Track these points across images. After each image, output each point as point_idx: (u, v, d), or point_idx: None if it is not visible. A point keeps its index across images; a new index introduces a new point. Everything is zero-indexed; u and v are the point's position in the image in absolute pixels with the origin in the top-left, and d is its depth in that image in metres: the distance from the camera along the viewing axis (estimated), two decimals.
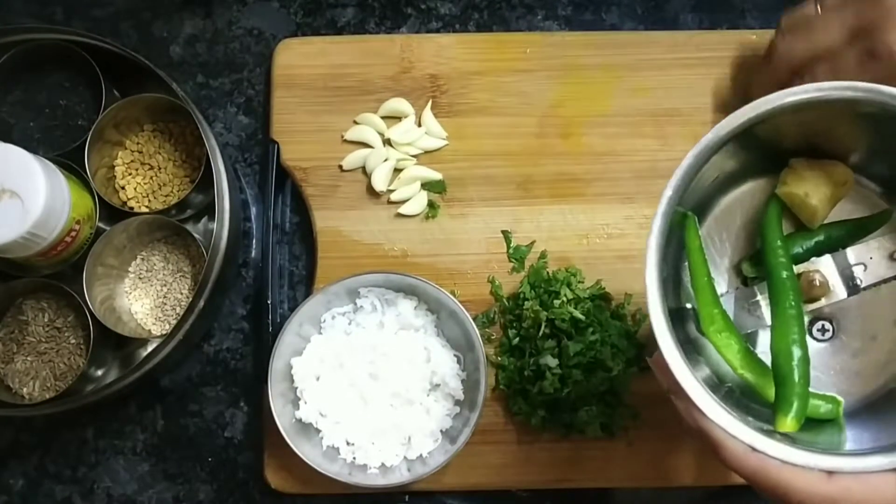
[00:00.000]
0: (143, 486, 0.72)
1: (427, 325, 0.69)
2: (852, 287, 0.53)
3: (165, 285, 0.72)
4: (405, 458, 0.67)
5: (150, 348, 0.70)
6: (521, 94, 0.73)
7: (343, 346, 0.68)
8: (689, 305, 0.55)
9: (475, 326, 0.66)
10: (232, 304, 0.74)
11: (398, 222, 0.72)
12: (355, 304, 0.69)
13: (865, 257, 0.53)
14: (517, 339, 0.69)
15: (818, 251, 0.54)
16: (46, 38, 0.69)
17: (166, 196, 0.72)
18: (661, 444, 0.69)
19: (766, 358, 0.51)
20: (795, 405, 0.47)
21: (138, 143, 0.73)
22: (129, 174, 0.73)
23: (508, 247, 0.71)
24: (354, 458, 0.67)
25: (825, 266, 0.53)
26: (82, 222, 0.68)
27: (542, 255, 0.71)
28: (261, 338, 0.71)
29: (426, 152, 0.73)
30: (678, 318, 0.48)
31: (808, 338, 0.52)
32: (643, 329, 0.69)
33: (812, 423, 0.50)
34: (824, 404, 0.52)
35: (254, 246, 0.75)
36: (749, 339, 0.54)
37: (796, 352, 0.49)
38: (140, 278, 0.72)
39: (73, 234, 0.67)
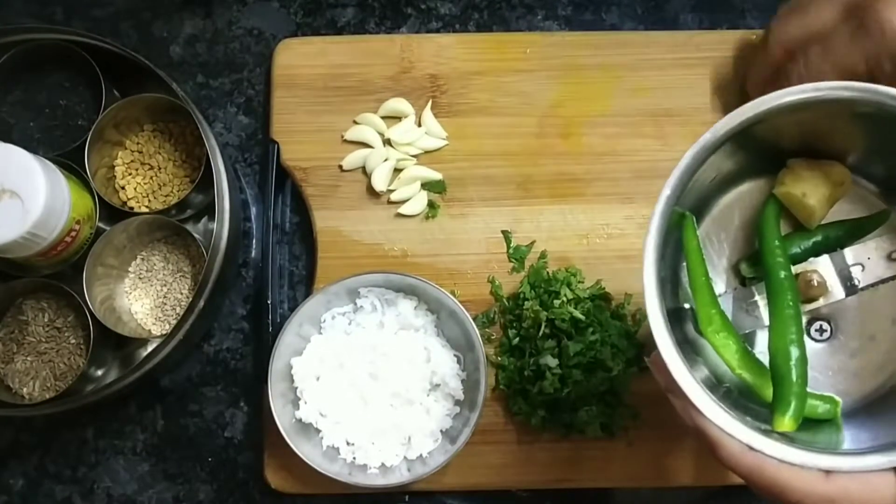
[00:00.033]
0: (143, 486, 0.73)
1: (427, 325, 0.69)
2: (850, 287, 0.53)
3: (165, 285, 0.72)
4: (405, 458, 0.67)
5: (150, 348, 0.70)
6: (521, 94, 0.73)
7: (343, 346, 0.68)
8: (687, 306, 0.55)
9: (475, 326, 0.66)
10: (232, 304, 0.74)
11: (398, 222, 0.72)
12: (355, 304, 0.69)
13: (863, 257, 0.53)
14: (517, 339, 0.69)
15: (816, 251, 0.54)
16: (46, 38, 0.69)
17: (166, 196, 0.72)
18: (661, 444, 0.69)
19: (764, 358, 0.51)
20: (793, 405, 0.47)
21: (138, 143, 0.73)
22: (129, 174, 0.73)
23: (508, 247, 0.71)
24: (354, 458, 0.67)
25: (823, 266, 0.53)
26: (82, 222, 0.68)
27: (542, 255, 0.71)
28: (261, 338, 0.71)
29: (426, 152, 0.73)
30: (676, 318, 0.48)
31: (805, 338, 0.52)
32: (643, 329, 0.69)
33: (810, 424, 0.50)
34: (822, 404, 0.52)
35: (254, 246, 0.75)
36: (747, 340, 0.54)
37: (794, 351, 0.49)
38: (140, 278, 0.72)
39: (73, 234, 0.67)
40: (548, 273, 0.70)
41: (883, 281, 0.53)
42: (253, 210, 0.75)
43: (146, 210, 0.72)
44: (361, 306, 0.69)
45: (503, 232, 0.72)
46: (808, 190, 0.53)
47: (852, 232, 0.55)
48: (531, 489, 0.70)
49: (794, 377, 0.48)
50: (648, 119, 0.72)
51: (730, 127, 0.48)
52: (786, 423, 0.47)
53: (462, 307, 0.67)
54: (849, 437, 0.50)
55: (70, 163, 0.68)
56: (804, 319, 0.52)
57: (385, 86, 0.73)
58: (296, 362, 0.67)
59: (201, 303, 0.66)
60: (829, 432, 0.51)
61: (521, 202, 0.72)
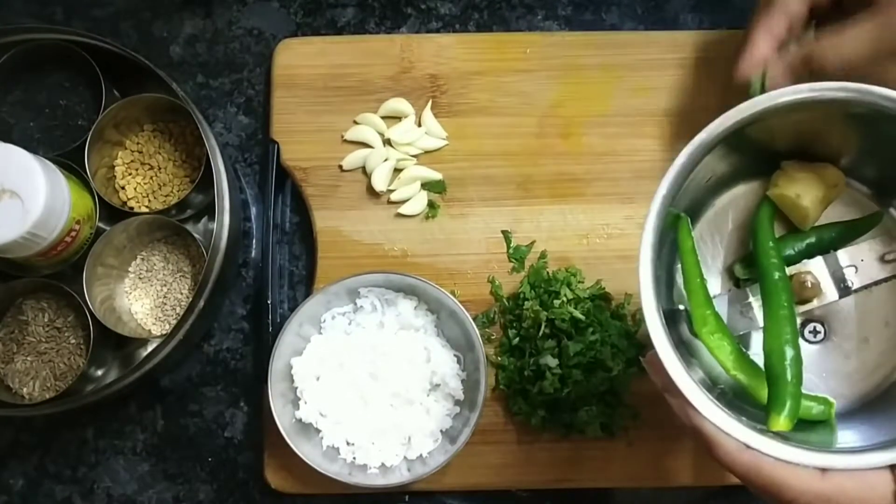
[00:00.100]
0: (143, 486, 0.73)
1: (427, 325, 0.69)
2: (844, 289, 0.53)
3: (165, 285, 0.72)
4: (405, 458, 0.67)
5: (150, 348, 0.70)
6: (521, 94, 0.73)
7: (343, 346, 0.68)
8: (681, 307, 0.55)
9: (475, 326, 0.66)
10: (232, 304, 0.74)
11: (398, 222, 0.72)
12: (355, 304, 0.69)
13: (856, 259, 0.53)
14: (517, 339, 0.69)
15: (810, 253, 0.54)
16: (46, 38, 0.69)
17: (166, 196, 0.72)
18: (661, 444, 0.69)
19: (759, 360, 0.51)
20: (788, 404, 0.47)
21: (138, 143, 0.73)
22: (129, 174, 0.73)
23: (508, 247, 0.71)
24: (354, 458, 0.67)
25: (817, 268, 0.53)
26: (82, 222, 0.68)
27: (542, 255, 0.71)
28: (261, 338, 0.71)
29: (426, 152, 0.73)
30: (671, 320, 0.48)
31: (799, 339, 0.52)
32: (643, 329, 0.69)
33: (804, 425, 0.50)
34: (816, 405, 0.52)
35: (254, 246, 0.75)
36: (741, 341, 0.54)
37: (789, 351, 0.49)
38: (140, 278, 0.72)
39: (73, 234, 0.67)
40: (548, 273, 0.70)
41: (876, 283, 0.54)
42: (253, 210, 0.75)
43: (146, 210, 0.72)
44: (361, 306, 0.69)
45: (503, 232, 0.72)
46: (802, 191, 0.53)
47: (845, 234, 0.55)
48: (531, 489, 0.70)
49: (788, 377, 0.48)
50: (648, 119, 0.72)
51: (725, 126, 0.48)
52: (781, 422, 0.47)
53: (462, 307, 0.67)
54: (842, 438, 0.50)
55: (70, 163, 0.68)
56: (798, 321, 0.52)
57: (385, 86, 0.73)
58: (296, 362, 0.67)
59: (201, 303, 0.66)
60: (823, 433, 0.51)
61: (521, 202, 0.72)
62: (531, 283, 0.70)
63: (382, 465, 0.67)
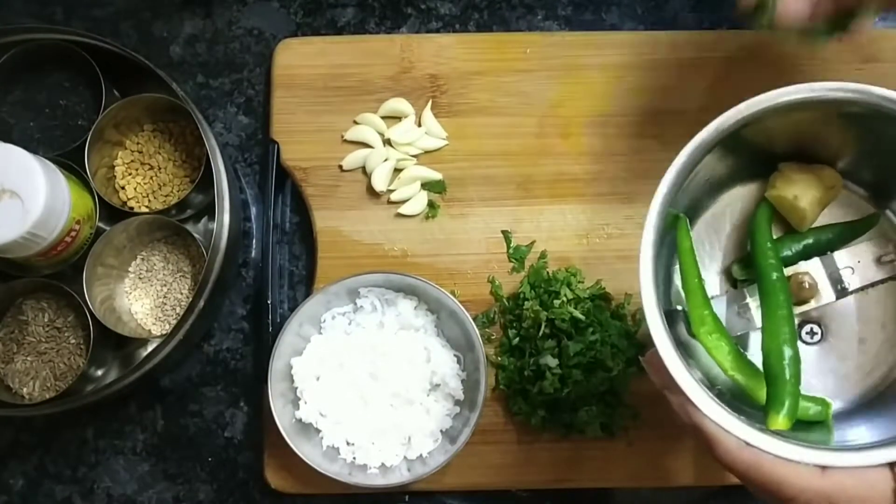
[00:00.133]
0: (143, 486, 0.73)
1: (427, 325, 0.69)
2: (840, 290, 0.54)
3: (165, 285, 0.72)
4: (405, 458, 0.67)
5: (150, 348, 0.70)
6: (521, 94, 0.73)
7: (343, 346, 0.68)
8: (679, 308, 0.55)
9: (475, 326, 0.66)
10: (232, 304, 0.74)
11: (398, 222, 0.72)
12: (355, 304, 0.69)
13: (853, 261, 0.54)
14: (517, 339, 0.69)
15: (807, 254, 0.55)
16: (46, 38, 0.69)
17: (166, 196, 0.72)
18: (661, 444, 0.69)
19: (757, 361, 0.51)
20: (787, 403, 0.48)
21: (138, 143, 0.73)
22: (129, 174, 0.73)
23: (508, 247, 0.71)
24: (354, 458, 0.67)
25: (814, 270, 0.54)
26: (82, 222, 0.68)
27: (542, 255, 0.71)
28: (261, 338, 0.71)
29: (426, 152, 0.73)
30: (669, 321, 0.49)
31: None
32: (643, 328, 0.69)
33: (801, 425, 0.50)
34: (814, 406, 0.52)
35: (254, 246, 0.75)
36: (739, 342, 0.54)
37: (787, 351, 0.49)
38: (140, 278, 0.72)
39: (73, 234, 0.67)
40: (548, 273, 0.70)
41: (872, 284, 0.54)
42: (253, 210, 0.75)
43: (146, 210, 0.72)
44: (361, 306, 0.69)
45: (503, 232, 0.72)
46: (800, 193, 0.54)
47: (842, 235, 0.55)
48: (531, 489, 0.70)
49: (787, 376, 0.49)
50: (648, 119, 0.72)
51: (725, 125, 0.49)
52: (780, 421, 0.47)
53: (462, 307, 0.67)
54: (840, 438, 0.50)
55: (70, 163, 0.68)
56: (795, 322, 0.53)
57: (385, 86, 0.73)
58: (296, 362, 0.67)
59: (201, 303, 0.66)
60: (820, 434, 0.51)
61: (521, 202, 0.72)
62: (531, 283, 0.70)
63: (382, 465, 0.67)
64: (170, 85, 0.67)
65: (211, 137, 0.68)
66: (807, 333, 0.56)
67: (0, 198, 0.61)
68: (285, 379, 0.68)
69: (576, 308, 0.67)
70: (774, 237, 0.55)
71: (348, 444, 0.67)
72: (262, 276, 0.72)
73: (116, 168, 0.73)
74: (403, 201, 0.72)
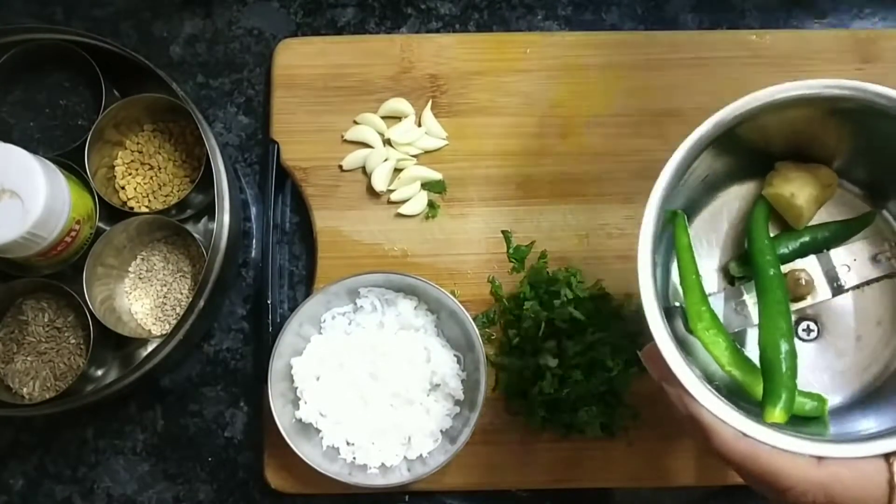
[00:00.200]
0: (143, 486, 0.73)
1: (427, 325, 0.69)
2: (837, 288, 0.54)
3: (165, 285, 0.72)
4: (405, 458, 0.67)
5: (150, 348, 0.70)
6: (521, 94, 0.73)
7: (343, 346, 0.68)
8: (677, 304, 0.56)
9: (475, 326, 0.66)
10: (232, 304, 0.74)
11: (398, 222, 0.72)
12: (355, 304, 0.69)
13: (849, 259, 0.54)
14: (517, 339, 0.69)
15: (803, 252, 0.55)
16: (46, 38, 0.69)
17: (166, 196, 0.72)
18: (661, 444, 0.69)
19: (754, 358, 0.52)
20: (784, 397, 0.48)
21: (138, 143, 0.73)
22: (129, 174, 0.73)
23: (508, 247, 0.71)
24: (354, 458, 0.67)
25: (810, 267, 0.54)
26: (82, 222, 0.68)
27: (542, 255, 0.71)
28: (261, 338, 0.71)
29: (426, 152, 0.73)
30: (667, 316, 0.49)
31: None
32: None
33: (797, 421, 0.51)
34: (810, 402, 0.52)
35: (254, 246, 0.75)
36: (736, 339, 0.55)
37: (784, 345, 0.50)
38: (140, 278, 0.72)
39: (73, 234, 0.67)
40: (548, 273, 0.70)
41: (868, 282, 0.54)
42: (253, 210, 0.75)
43: (146, 210, 0.72)
44: (361, 306, 0.69)
45: (503, 232, 0.72)
46: (797, 190, 0.54)
47: (839, 233, 0.56)
48: (531, 489, 0.70)
49: (784, 369, 0.49)
50: (648, 119, 0.72)
51: (724, 120, 0.49)
52: (776, 414, 0.47)
53: (462, 307, 0.67)
54: (836, 432, 0.51)
55: (70, 163, 0.68)
56: (792, 319, 0.53)
57: (385, 86, 0.73)
58: (296, 362, 0.67)
59: (201, 303, 0.66)
60: (816, 429, 0.51)
61: (521, 202, 0.72)
62: (531, 283, 0.70)
63: (382, 465, 0.67)
64: (170, 85, 0.67)
65: (211, 137, 0.68)
66: (803, 330, 0.56)
67: (0, 198, 0.62)
68: (285, 379, 0.68)
69: (576, 308, 0.67)
70: (771, 235, 0.55)
71: (348, 444, 0.67)
72: (262, 276, 0.72)
73: (116, 168, 0.73)
74: (403, 201, 0.72)
